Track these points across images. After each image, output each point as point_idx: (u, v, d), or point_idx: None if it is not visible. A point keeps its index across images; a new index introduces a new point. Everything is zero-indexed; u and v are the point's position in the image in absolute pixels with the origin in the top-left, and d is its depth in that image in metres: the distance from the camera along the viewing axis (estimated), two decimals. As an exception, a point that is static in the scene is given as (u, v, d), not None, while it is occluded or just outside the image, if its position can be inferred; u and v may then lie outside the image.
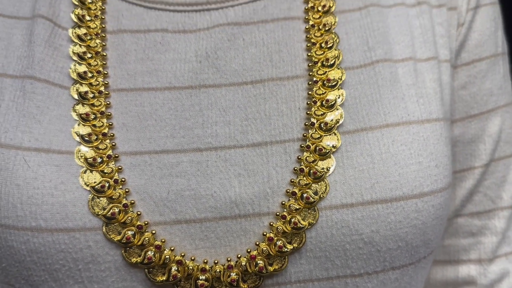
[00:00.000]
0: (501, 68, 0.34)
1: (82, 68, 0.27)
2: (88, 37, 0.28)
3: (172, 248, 0.25)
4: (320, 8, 0.29)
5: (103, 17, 0.28)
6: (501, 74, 0.34)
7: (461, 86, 0.33)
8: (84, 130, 0.25)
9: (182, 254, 0.25)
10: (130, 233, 0.24)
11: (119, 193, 0.24)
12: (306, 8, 0.29)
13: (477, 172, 0.34)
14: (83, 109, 0.26)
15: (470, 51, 0.33)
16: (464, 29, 0.32)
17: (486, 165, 0.34)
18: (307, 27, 0.28)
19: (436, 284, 0.36)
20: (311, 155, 0.25)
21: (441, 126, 0.28)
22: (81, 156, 0.25)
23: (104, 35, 0.28)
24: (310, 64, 0.28)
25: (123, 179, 0.25)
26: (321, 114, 0.26)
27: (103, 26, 0.28)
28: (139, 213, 0.24)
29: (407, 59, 0.29)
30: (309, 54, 0.28)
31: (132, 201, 0.25)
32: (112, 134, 0.26)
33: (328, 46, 0.28)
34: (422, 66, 0.29)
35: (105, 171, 0.25)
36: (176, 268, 0.24)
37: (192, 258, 0.25)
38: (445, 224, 0.30)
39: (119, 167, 0.25)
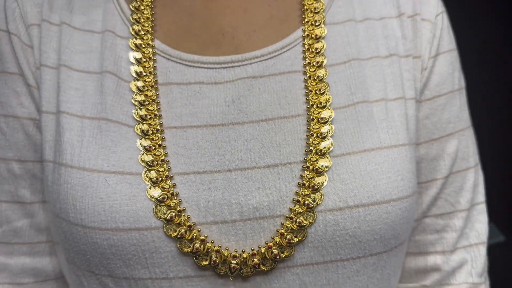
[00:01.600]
0: (457, 101, 0.44)
1: (143, 112, 0.37)
2: (145, 89, 0.37)
3: (212, 241, 0.34)
4: (315, 64, 0.38)
5: (155, 73, 0.38)
6: (457, 105, 0.44)
7: (425, 117, 0.42)
8: (148, 157, 0.35)
9: (219, 245, 0.34)
10: (183, 230, 0.34)
11: (174, 202, 0.34)
12: (304, 63, 0.39)
13: (439, 182, 0.43)
14: (145, 142, 0.36)
15: (432, 89, 0.42)
16: (427, 73, 0.42)
17: (446, 177, 0.43)
18: (305, 78, 0.38)
19: (410, 271, 0.45)
20: (310, 173, 0.35)
21: (406, 149, 0.38)
22: (147, 177, 0.35)
23: (157, 86, 0.38)
24: (308, 106, 0.37)
25: (177, 192, 0.34)
26: (317, 143, 0.36)
27: (156, 80, 0.38)
28: (188, 216, 0.34)
29: (380, 99, 0.39)
30: (307, 98, 0.37)
31: (184, 208, 0.34)
32: (167, 160, 0.35)
33: (321, 92, 0.38)
34: (392, 104, 0.39)
35: (164, 187, 0.34)
36: (215, 256, 0.34)
37: (226, 248, 0.34)
38: (411, 222, 0.40)
39: (174, 184, 0.35)
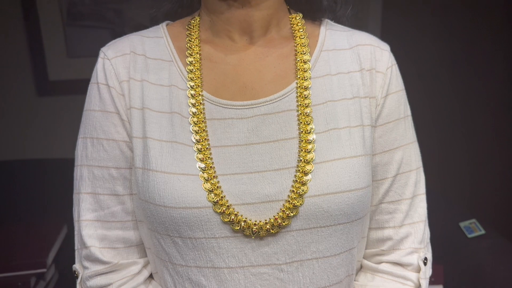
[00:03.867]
0: (403, 125, 0.65)
1: (197, 137, 0.59)
2: (198, 122, 0.60)
3: (241, 215, 0.56)
4: (304, 105, 0.60)
5: (204, 112, 0.60)
6: (403, 128, 0.65)
7: (378, 136, 0.64)
8: (202, 165, 0.57)
9: (246, 218, 0.56)
10: (224, 208, 0.56)
11: (219, 192, 0.56)
12: (297, 105, 0.60)
13: (389, 180, 0.65)
14: (200, 156, 0.58)
15: (383, 118, 0.64)
16: (379, 107, 0.64)
17: (394, 176, 0.64)
18: (298, 114, 0.60)
19: (373, 241, 0.66)
20: (300, 174, 0.57)
21: (362, 158, 0.60)
22: (202, 177, 0.57)
23: (205, 121, 0.60)
24: (299, 132, 0.59)
25: (220, 186, 0.57)
26: (305, 155, 0.58)
27: (204, 116, 0.60)
28: (227, 200, 0.56)
29: (346, 127, 0.60)
30: (299, 127, 0.59)
31: (224, 195, 0.56)
32: (214, 167, 0.58)
33: (308, 123, 0.59)
34: (354, 130, 0.61)
35: (212, 183, 0.56)
36: (243, 224, 0.56)
37: (250, 219, 0.56)
38: (368, 205, 0.61)
39: (218, 181, 0.57)
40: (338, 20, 0.71)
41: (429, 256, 0.66)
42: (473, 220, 1.41)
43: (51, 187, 1.39)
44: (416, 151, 0.67)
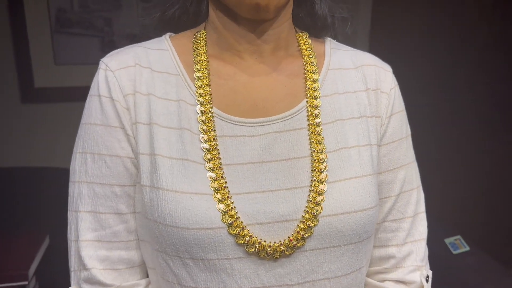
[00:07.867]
0: (404, 144, 0.66)
1: (209, 155, 0.57)
2: (209, 140, 0.58)
3: (256, 236, 0.55)
4: (314, 124, 0.60)
5: (214, 129, 0.59)
6: (404, 148, 0.66)
7: (383, 155, 0.65)
8: (215, 185, 0.56)
9: (260, 239, 0.55)
10: (238, 230, 0.54)
11: (233, 213, 0.55)
12: (308, 123, 0.60)
13: (393, 198, 0.66)
14: (213, 175, 0.57)
15: (387, 137, 0.65)
16: (384, 127, 0.65)
17: (398, 195, 0.66)
18: (309, 133, 0.60)
19: (376, 259, 0.67)
20: (314, 194, 0.57)
21: (371, 177, 0.60)
22: (215, 197, 0.55)
23: (216, 138, 0.59)
24: (311, 151, 0.59)
25: (234, 207, 0.55)
26: (318, 175, 0.58)
27: (215, 133, 0.59)
28: (242, 221, 0.55)
29: (355, 146, 0.61)
30: (310, 146, 0.59)
31: (238, 216, 0.55)
32: (227, 186, 0.56)
33: (319, 142, 0.59)
34: (362, 148, 0.61)
35: (227, 203, 0.55)
36: (258, 245, 0.55)
37: (264, 241, 0.55)
38: (375, 223, 0.62)
39: (232, 201, 0.56)
40: (334, 37, 0.72)
41: (430, 274, 0.67)
42: (458, 237, 1.46)
43: (34, 196, 1.37)
44: (416, 170, 0.68)
